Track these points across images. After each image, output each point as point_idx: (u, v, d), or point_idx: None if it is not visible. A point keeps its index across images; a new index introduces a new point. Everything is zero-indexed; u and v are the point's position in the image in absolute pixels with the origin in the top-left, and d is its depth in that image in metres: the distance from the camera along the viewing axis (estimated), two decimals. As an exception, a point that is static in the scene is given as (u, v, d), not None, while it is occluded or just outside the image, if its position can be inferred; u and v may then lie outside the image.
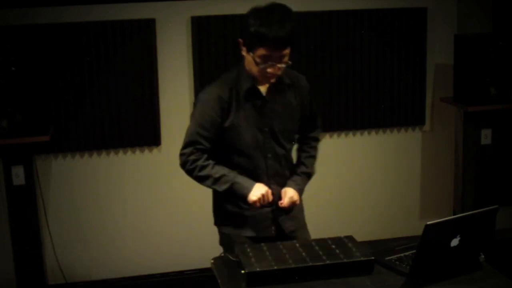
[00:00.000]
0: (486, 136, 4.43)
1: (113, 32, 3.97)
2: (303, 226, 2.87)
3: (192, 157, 2.64)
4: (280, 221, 2.76)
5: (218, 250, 2.66)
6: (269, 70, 2.56)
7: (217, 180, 2.63)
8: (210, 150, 2.66)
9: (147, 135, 4.14)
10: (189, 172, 2.68)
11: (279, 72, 2.60)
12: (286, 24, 2.50)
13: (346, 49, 4.30)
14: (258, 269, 2.30)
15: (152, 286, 4.26)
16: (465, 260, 2.43)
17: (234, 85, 2.66)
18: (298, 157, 2.89)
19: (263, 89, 2.68)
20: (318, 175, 2.96)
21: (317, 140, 2.93)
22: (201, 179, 2.66)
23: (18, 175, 3.86)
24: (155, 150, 4.20)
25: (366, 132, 4.49)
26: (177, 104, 4.17)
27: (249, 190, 2.61)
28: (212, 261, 2.56)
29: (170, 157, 4.20)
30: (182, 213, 4.27)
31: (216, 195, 2.81)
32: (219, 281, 2.39)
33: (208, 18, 4.07)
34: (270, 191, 2.65)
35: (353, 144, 4.47)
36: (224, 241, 2.82)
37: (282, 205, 2.69)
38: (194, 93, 4.15)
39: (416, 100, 4.50)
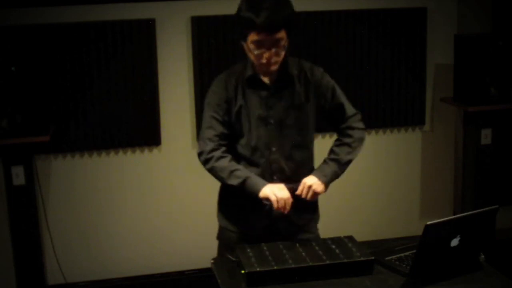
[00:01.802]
0: (486, 136, 4.43)
1: (113, 32, 3.97)
2: (304, 229, 2.76)
3: (211, 146, 2.59)
4: (276, 222, 2.67)
5: (218, 250, 2.67)
6: (265, 55, 2.51)
7: (231, 173, 2.55)
8: (227, 138, 2.61)
9: (147, 135, 4.14)
10: (206, 162, 2.60)
11: (278, 59, 2.54)
12: (278, 7, 2.46)
13: (346, 49, 4.30)
14: (258, 269, 2.30)
15: (152, 286, 4.26)
16: (465, 260, 2.43)
17: (239, 75, 2.64)
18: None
19: (268, 80, 2.63)
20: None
21: (352, 128, 2.74)
22: (216, 170, 2.58)
23: (18, 175, 3.86)
24: (155, 150, 4.20)
25: (366, 132, 4.48)
26: (177, 104, 4.17)
27: (260, 187, 2.53)
28: (212, 261, 2.56)
29: (170, 157, 4.21)
30: (182, 213, 4.27)
31: (222, 189, 2.78)
32: (219, 281, 2.39)
33: (208, 18, 4.07)
34: (286, 197, 2.51)
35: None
36: (219, 235, 2.81)
37: (297, 193, 2.57)
38: (194, 93, 4.15)
39: (416, 100, 4.50)
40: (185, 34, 4.11)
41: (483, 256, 2.48)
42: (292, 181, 2.62)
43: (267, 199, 2.51)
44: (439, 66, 4.52)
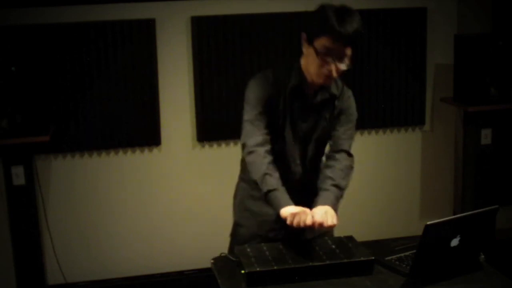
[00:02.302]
0: (486, 136, 4.43)
1: (113, 32, 3.97)
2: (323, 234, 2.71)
3: (257, 139, 2.53)
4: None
5: (218, 250, 2.66)
6: (327, 66, 2.47)
7: (266, 175, 2.49)
8: (268, 134, 2.57)
9: (147, 135, 4.14)
10: (249, 153, 2.54)
11: (336, 75, 2.51)
12: (355, 22, 2.44)
13: (346, 49, 4.29)
14: (258, 269, 2.30)
15: (152, 286, 4.26)
16: (465, 260, 2.43)
17: (283, 79, 2.59)
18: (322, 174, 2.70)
19: (310, 91, 2.61)
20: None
21: (341, 152, 2.68)
22: (253, 167, 2.53)
23: (18, 175, 3.86)
24: (155, 150, 4.20)
25: (366, 132, 4.49)
26: (177, 104, 4.17)
27: (283, 206, 2.45)
28: (212, 261, 2.55)
29: (170, 157, 4.21)
30: (182, 213, 4.27)
31: (239, 184, 2.79)
32: (219, 281, 2.39)
33: (208, 18, 4.07)
34: (305, 215, 2.41)
35: (353, 144, 4.45)
36: (233, 231, 2.82)
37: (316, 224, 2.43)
38: (194, 93, 4.15)
39: (416, 100, 4.50)
40: (185, 34, 4.11)
41: (483, 256, 2.48)
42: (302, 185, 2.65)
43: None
44: (439, 66, 4.52)
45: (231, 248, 2.79)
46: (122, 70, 4.02)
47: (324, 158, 2.74)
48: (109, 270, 4.24)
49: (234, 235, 2.83)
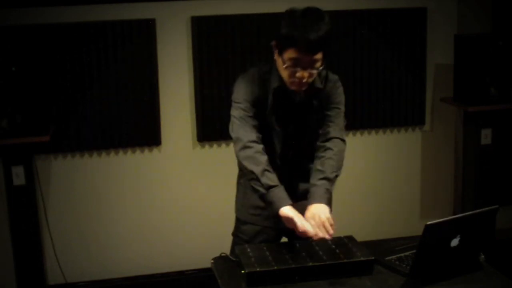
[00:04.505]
0: (486, 136, 4.43)
1: (113, 32, 3.97)
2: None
3: (252, 136, 2.54)
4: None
5: (218, 250, 2.66)
6: (298, 75, 2.47)
7: (265, 171, 2.50)
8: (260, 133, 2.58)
9: (147, 135, 4.14)
10: (243, 148, 2.54)
11: (310, 79, 2.51)
12: (320, 28, 2.42)
13: (346, 49, 4.30)
14: (258, 269, 2.30)
15: (152, 286, 4.26)
16: (465, 260, 2.43)
17: (266, 79, 2.60)
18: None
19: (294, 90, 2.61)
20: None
21: (332, 139, 2.70)
22: (250, 161, 2.53)
23: (18, 175, 3.86)
24: (155, 150, 4.20)
25: (366, 132, 4.49)
26: (177, 104, 4.17)
27: (282, 205, 2.46)
28: (212, 261, 2.56)
29: (170, 157, 4.21)
30: (182, 213, 4.27)
31: (240, 181, 2.79)
32: (219, 281, 2.39)
33: (208, 18, 4.07)
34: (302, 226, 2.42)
35: (353, 144, 4.47)
36: (235, 230, 2.83)
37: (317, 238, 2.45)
38: (194, 93, 4.15)
39: (416, 100, 4.50)
40: (185, 34, 4.11)
41: (483, 256, 2.48)
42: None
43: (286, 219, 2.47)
44: (439, 66, 4.52)
45: (233, 248, 2.79)
46: (122, 70, 4.02)
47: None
48: (109, 270, 4.24)
49: (237, 233, 2.83)
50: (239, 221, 2.84)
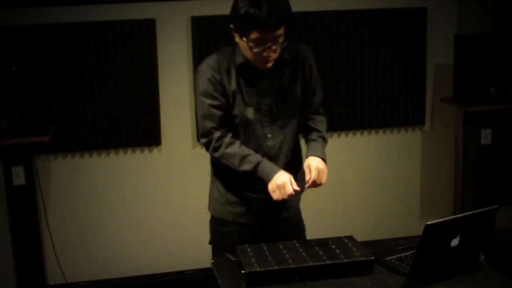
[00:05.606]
0: (486, 136, 4.43)
1: (113, 32, 3.97)
2: (297, 216, 2.79)
3: (218, 134, 2.54)
4: (272, 208, 2.64)
5: (218, 250, 2.66)
6: (264, 54, 2.45)
7: (243, 158, 2.51)
8: (227, 121, 2.56)
9: (147, 135, 4.14)
10: (215, 149, 2.55)
11: (276, 55, 2.49)
12: (278, 2, 2.40)
13: (346, 49, 4.30)
14: (258, 269, 2.30)
15: (152, 286, 4.27)
16: (465, 260, 2.43)
17: (230, 60, 2.56)
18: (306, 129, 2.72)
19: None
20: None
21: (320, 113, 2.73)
22: (227, 157, 2.53)
23: (18, 175, 3.86)
24: (155, 150, 4.20)
25: (366, 132, 4.49)
26: (177, 104, 4.17)
27: (272, 174, 2.48)
28: (212, 261, 2.56)
29: (170, 157, 4.21)
30: (182, 213, 4.27)
31: (215, 177, 2.74)
32: (219, 281, 2.39)
33: (208, 18, 4.08)
34: (289, 183, 2.46)
35: (353, 144, 4.47)
36: (212, 238, 2.78)
37: (310, 180, 2.49)
38: (194, 93, 4.14)
39: (416, 100, 4.50)
40: (185, 34, 4.11)
41: (483, 256, 2.48)
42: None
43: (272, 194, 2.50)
44: (439, 66, 4.52)
45: (214, 256, 2.72)
46: (122, 70, 4.02)
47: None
48: (109, 270, 4.24)
49: (216, 237, 2.77)
50: (213, 219, 2.76)
